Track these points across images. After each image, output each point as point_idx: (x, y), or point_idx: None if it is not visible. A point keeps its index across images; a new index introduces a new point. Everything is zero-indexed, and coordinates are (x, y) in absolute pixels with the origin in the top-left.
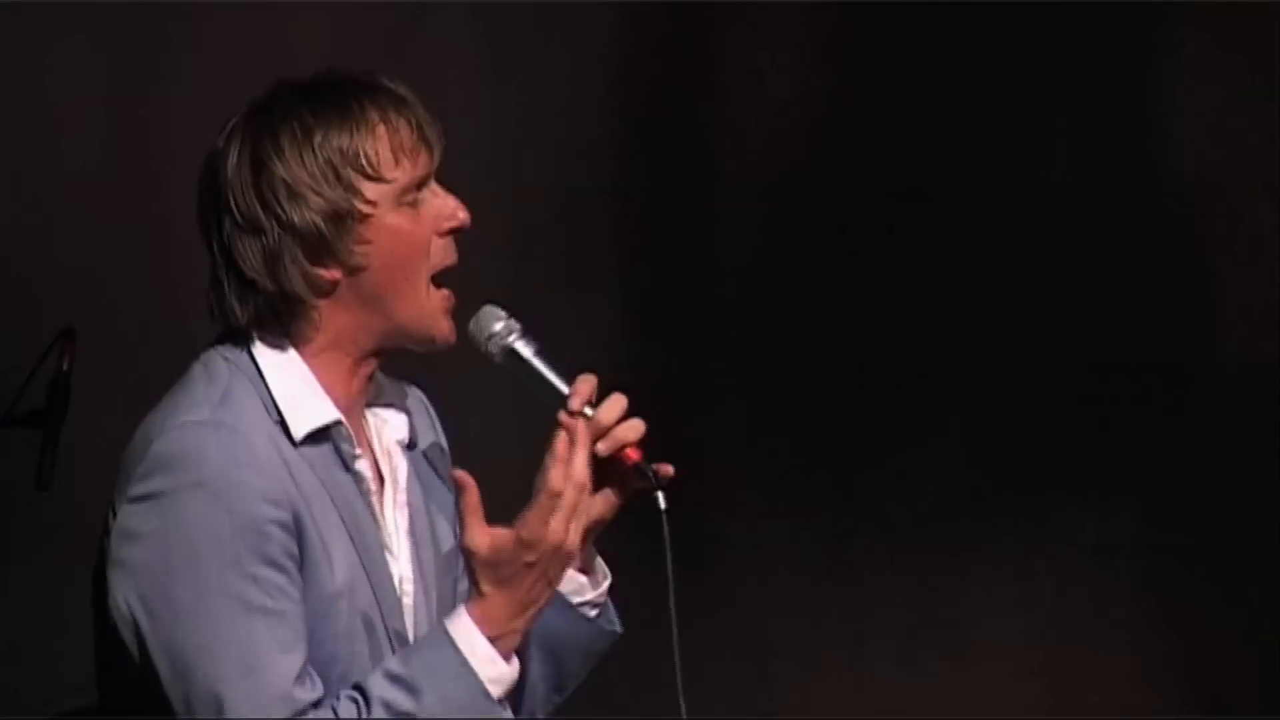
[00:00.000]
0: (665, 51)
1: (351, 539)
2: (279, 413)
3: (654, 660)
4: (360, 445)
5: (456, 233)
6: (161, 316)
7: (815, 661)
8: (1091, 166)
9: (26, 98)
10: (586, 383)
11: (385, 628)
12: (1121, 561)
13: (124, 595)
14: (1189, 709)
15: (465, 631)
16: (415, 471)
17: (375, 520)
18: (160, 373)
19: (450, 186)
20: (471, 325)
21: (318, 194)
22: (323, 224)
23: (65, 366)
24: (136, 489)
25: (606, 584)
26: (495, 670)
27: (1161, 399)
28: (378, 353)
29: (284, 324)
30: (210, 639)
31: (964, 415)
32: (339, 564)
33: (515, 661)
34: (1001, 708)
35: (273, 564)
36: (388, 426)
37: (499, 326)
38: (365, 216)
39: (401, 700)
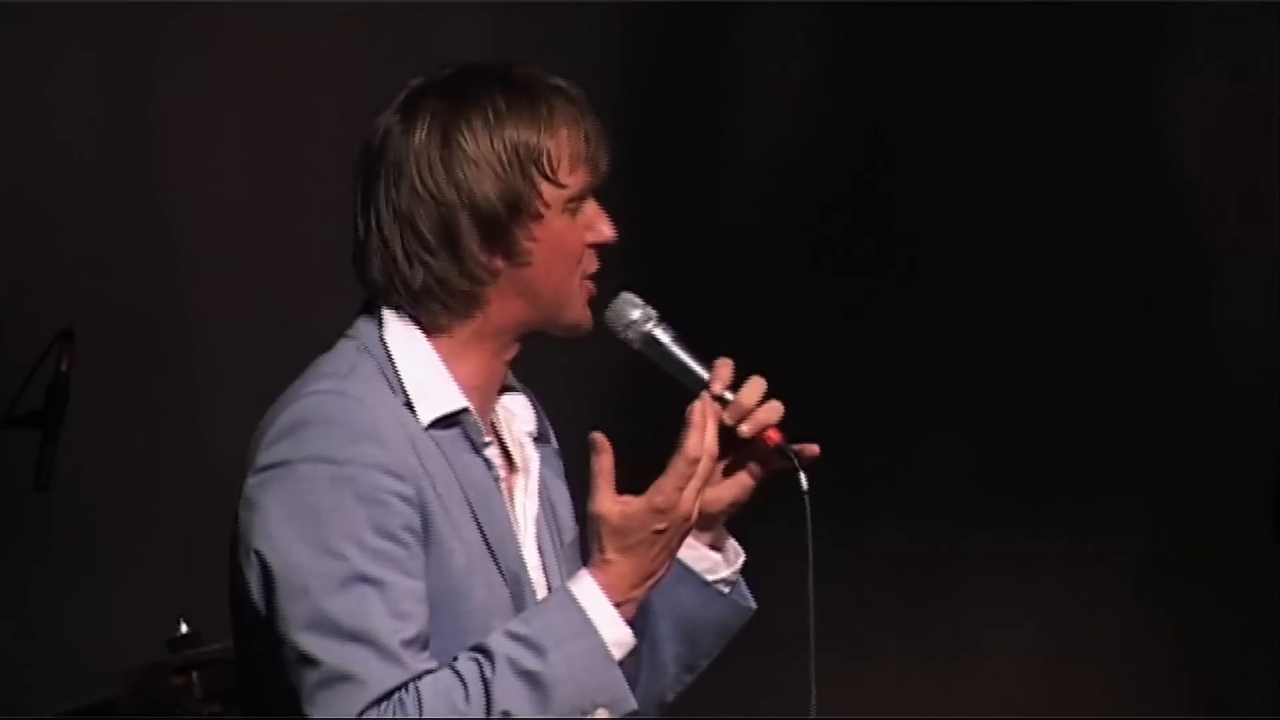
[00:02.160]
0: (666, 51)
1: (478, 521)
2: (406, 396)
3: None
4: (489, 434)
5: (602, 247)
6: (161, 317)
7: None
8: (1092, 167)
9: (26, 98)
10: (726, 366)
11: (515, 608)
12: (1121, 563)
13: (245, 563)
14: (1189, 709)
15: (590, 593)
16: (545, 466)
17: (505, 506)
18: (159, 373)
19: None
20: (608, 313)
21: (500, 178)
22: (501, 208)
23: (64, 367)
24: (262, 458)
25: (740, 562)
26: (618, 632)
27: (1161, 402)
28: (520, 339)
29: (444, 301)
30: (325, 607)
31: (964, 417)
32: (466, 542)
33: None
34: (1002, 708)
35: (392, 536)
36: (517, 419)
37: (637, 314)
38: (538, 214)
39: (526, 658)
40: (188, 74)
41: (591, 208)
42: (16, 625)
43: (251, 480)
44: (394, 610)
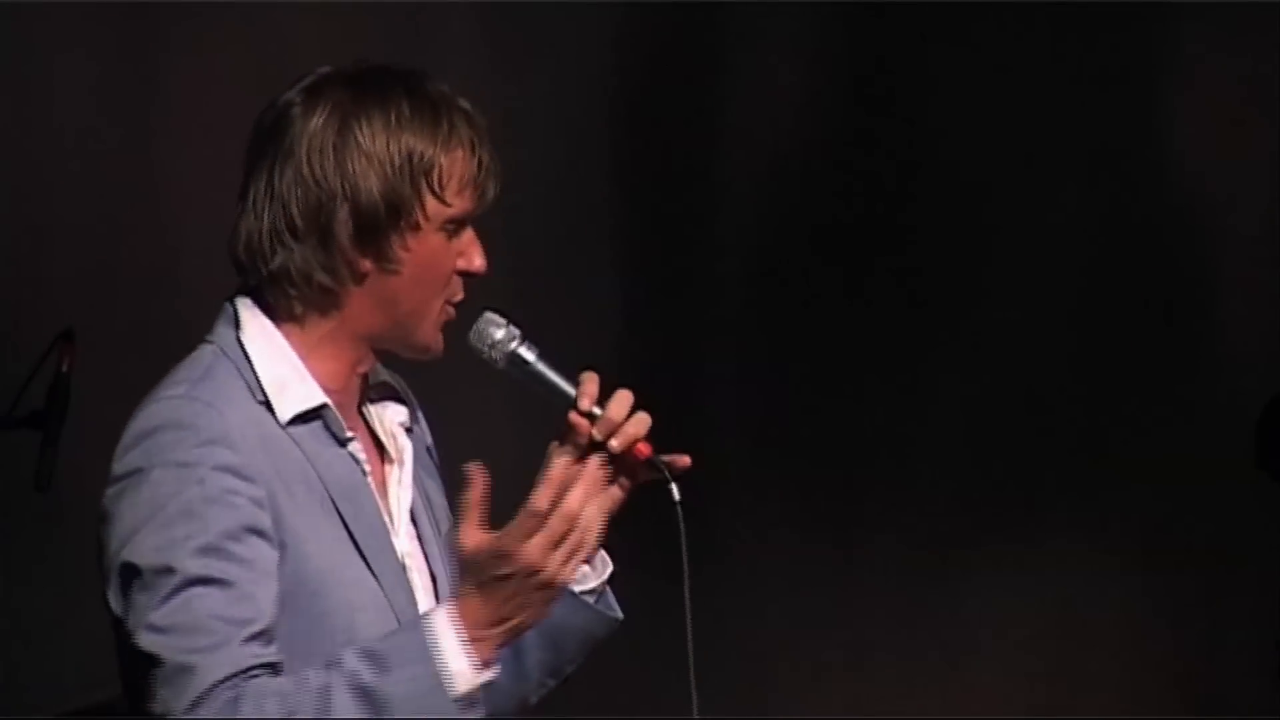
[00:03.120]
0: (664, 51)
1: (340, 515)
2: (264, 395)
3: (659, 653)
4: (357, 429)
5: (470, 276)
6: (161, 318)
7: (814, 663)
8: (1091, 168)
9: (26, 98)
10: (592, 382)
11: (389, 601)
12: (1120, 564)
13: (108, 575)
14: (1188, 709)
15: (440, 622)
16: (418, 460)
17: (374, 498)
18: (159, 374)
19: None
20: (472, 334)
21: (388, 180)
22: (382, 209)
23: (64, 368)
24: (116, 468)
25: (608, 572)
26: (460, 665)
27: (1161, 402)
28: (373, 350)
29: (300, 289)
30: (169, 605)
31: (963, 418)
32: (326, 540)
33: (490, 671)
34: (1001, 709)
35: (238, 538)
36: (388, 411)
37: (500, 334)
38: (416, 225)
39: (367, 673)
40: (188, 74)
41: (469, 235)
42: (16, 625)
43: (109, 491)
44: (237, 608)
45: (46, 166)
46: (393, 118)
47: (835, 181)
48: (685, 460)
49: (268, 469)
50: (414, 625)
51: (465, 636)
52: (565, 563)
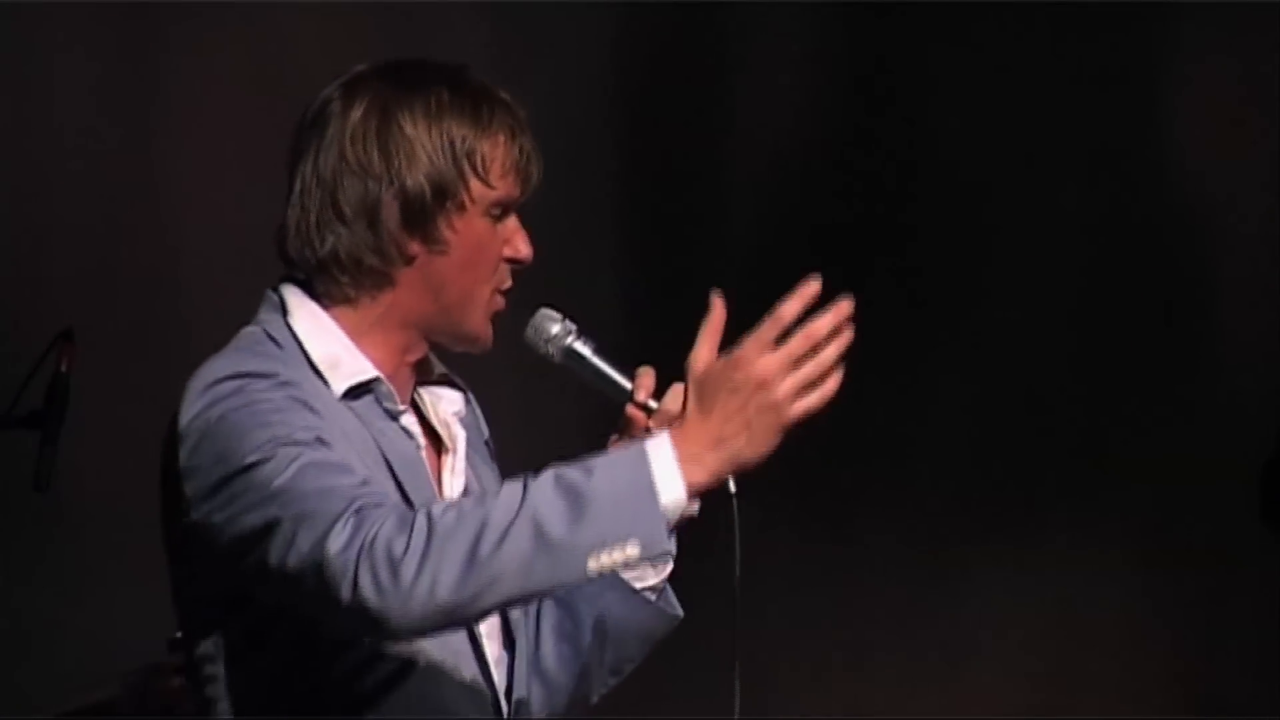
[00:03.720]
0: (666, 52)
1: (396, 478)
2: (316, 371)
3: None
4: (410, 413)
5: (517, 264)
6: (160, 318)
7: (814, 663)
8: (1091, 168)
9: (26, 98)
10: (648, 375)
11: None
12: (1120, 564)
13: (186, 523)
14: (1188, 709)
15: (657, 439)
16: (471, 448)
17: (429, 473)
18: (159, 374)
19: None
20: (529, 330)
21: (432, 164)
22: (428, 192)
23: (64, 368)
24: (183, 427)
25: (668, 569)
26: (671, 476)
27: (1160, 402)
28: (424, 340)
29: (351, 274)
30: (291, 473)
31: (963, 418)
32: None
33: (694, 506)
34: (1001, 709)
35: (326, 440)
36: (443, 401)
37: (556, 329)
38: (462, 207)
39: (572, 473)
40: (188, 74)
41: (513, 223)
42: (16, 625)
43: (181, 451)
44: (352, 474)
45: (46, 166)
46: (433, 106)
47: (836, 181)
48: None
49: (330, 420)
50: (630, 445)
51: (682, 451)
52: (797, 392)
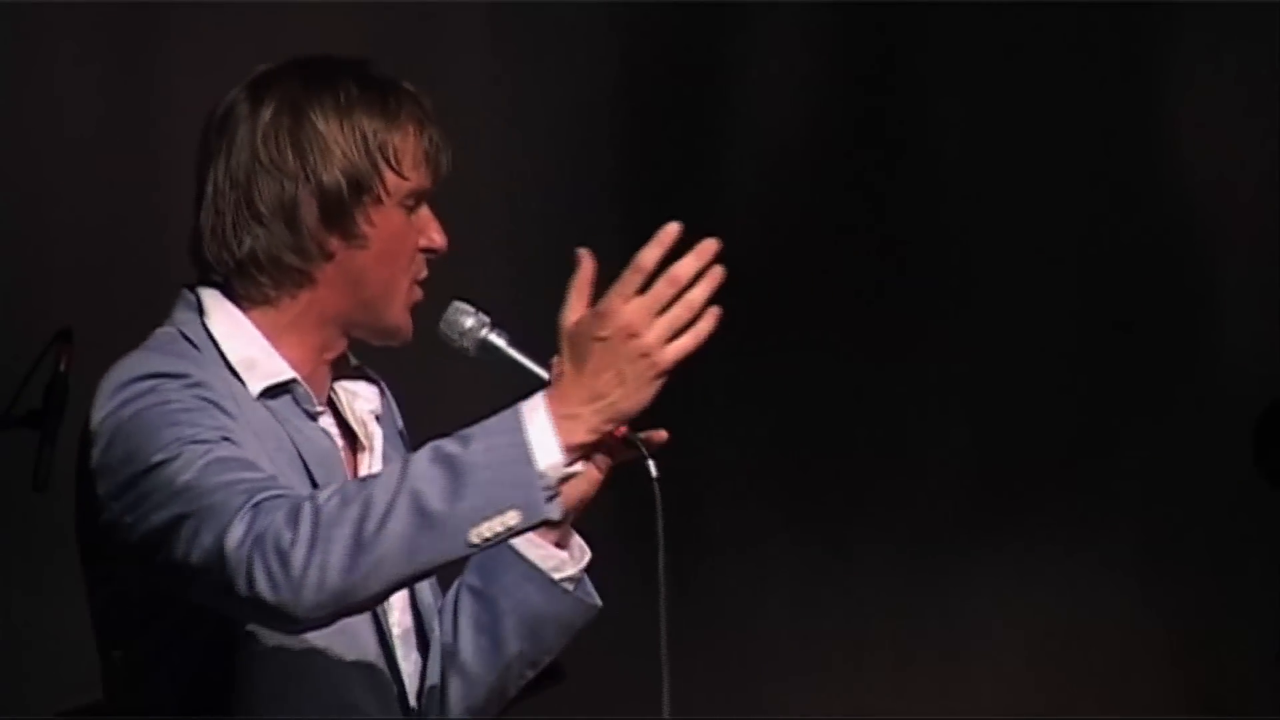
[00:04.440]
0: (666, 52)
1: (311, 477)
2: (232, 372)
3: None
4: (328, 413)
5: (432, 253)
6: (159, 317)
7: (813, 664)
8: (1091, 168)
9: (26, 98)
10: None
11: None
12: (1119, 564)
13: (98, 522)
14: (1188, 709)
15: (532, 400)
16: (387, 439)
17: (346, 472)
18: None
19: (454, 183)
20: (442, 323)
21: (347, 158)
22: (344, 186)
23: (62, 368)
24: (93, 426)
25: (585, 560)
26: (546, 438)
27: (1159, 402)
28: (343, 337)
29: (271, 274)
30: (193, 471)
31: (962, 416)
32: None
33: (578, 465)
34: (1000, 708)
35: (234, 438)
36: (359, 399)
37: (470, 322)
38: (378, 200)
39: (449, 444)
40: (188, 74)
41: (426, 213)
42: (15, 625)
43: (93, 451)
44: (255, 470)
45: (45, 166)
46: (342, 100)
47: (836, 180)
48: (662, 435)
49: (241, 420)
50: (508, 408)
51: (555, 412)
52: (667, 338)
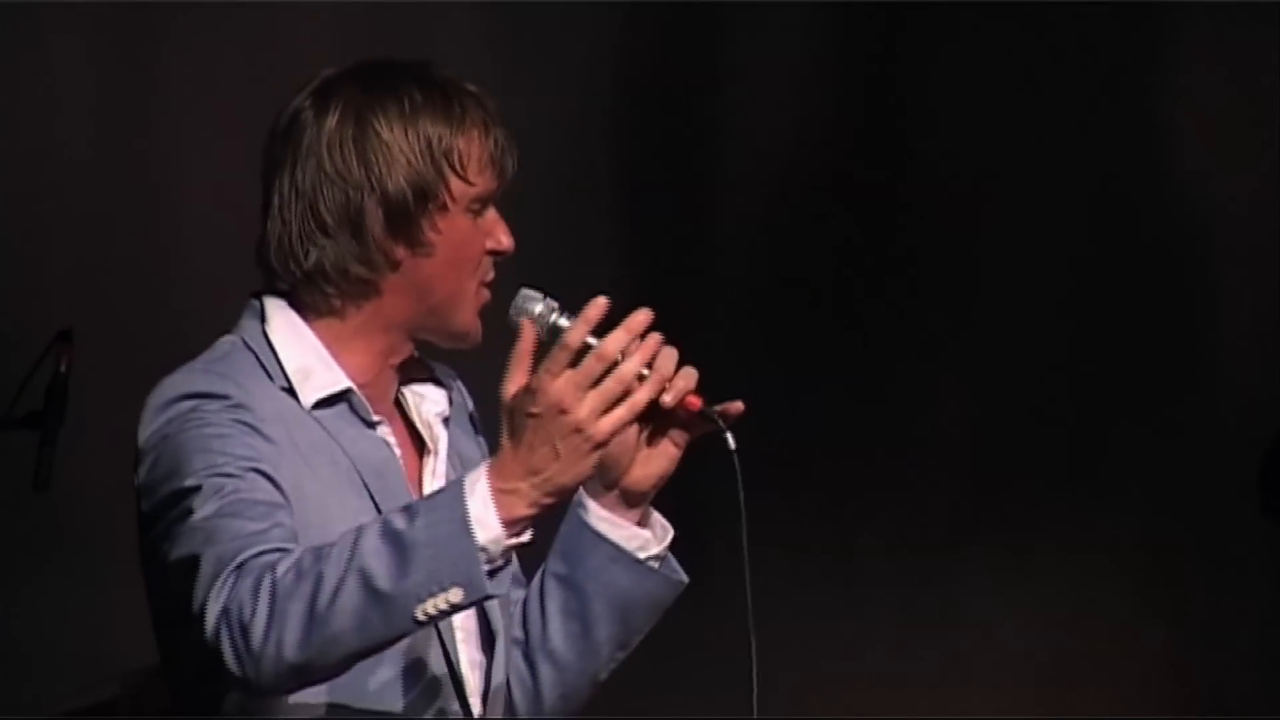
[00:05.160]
0: (667, 52)
1: (368, 488)
2: (288, 381)
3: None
4: (393, 420)
5: (499, 255)
6: (159, 318)
7: (811, 663)
8: (1090, 168)
9: (26, 98)
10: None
11: None
12: (1119, 563)
13: (150, 545)
14: (1188, 709)
15: (473, 473)
16: (454, 447)
17: (405, 483)
18: (157, 375)
19: None
20: (512, 310)
21: (412, 166)
22: (410, 195)
23: (63, 368)
24: (140, 443)
25: (669, 537)
26: (484, 512)
27: (1158, 402)
28: (409, 342)
29: (337, 285)
30: (195, 526)
31: (962, 417)
32: (350, 509)
33: (523, 536)
34: (999, 708)
35: (263, 475)
36: (426, 401)
37: (540, 308)
38: (444, 207)
39: (397, 519)
40: (188, 74)
41: (493, 215)
42: (16, 625)
43: (140, 469)
44: (266, 515)
45: (45, 167)
46: (406, 107)
47: (836, 181)
48: (739, 406)
49: (286, 439)
50: (453, 480)
51: (495, 486)
52: (601, 411)
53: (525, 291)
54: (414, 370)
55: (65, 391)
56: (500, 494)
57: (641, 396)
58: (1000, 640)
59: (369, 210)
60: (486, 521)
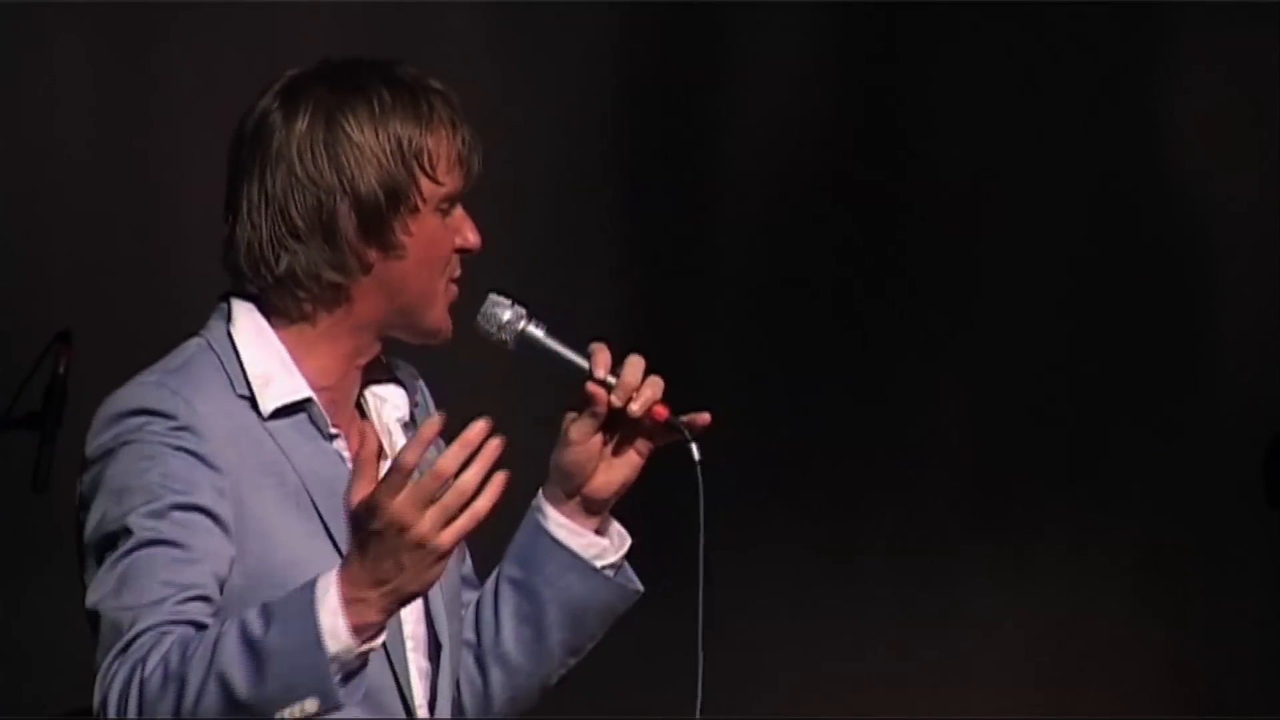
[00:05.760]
0: (667, 51)
1: (316, 508)
2: (249, 388)
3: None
4: (353, 424)
5: (467, 253)
6: (158, 319)
7: (811, 663)
8: (1090, 168)
9: (25, 98)
10: (603, 351)
11: None
12: (1118, 563)
13: (80, 556)
14: (1188, 709)
15: (325, 579)
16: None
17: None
18: None
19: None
20: (480, 317)
21: (383, 168)
22: (382, 197)
23: (62, 369)
24: (87, 452)
25: (626, 546)
26: (336, 624)
27: (1158, 402)
28: (379, 342)
29: (309, 290)
30: (118, 568)
31: (962, 417)
32: (298, 533)
33: (374, 640)
34: (999, 709)
35: (190, 512)
36: (387, 405)
37: (508, 315)
38: (415, 209)
39: (255, 625)
40: (187, 74)
41: (460, 213)
42: (15, 626)
43: (84, 477)
44: (182, 570)
45: (45, 167)
46: (376, 107)
47: (836, 181)
48: (705, 418)
49: (234, 461)
50: (306, 583)
51: (345, 595)
52: (441, 525)
53: (493, 298)
54: (377, 371)
55: (64, 392)
56: (349, 603)
57: (483, 505)
58: (1000, 640)
59: (341, 214)
60: (337, 633)
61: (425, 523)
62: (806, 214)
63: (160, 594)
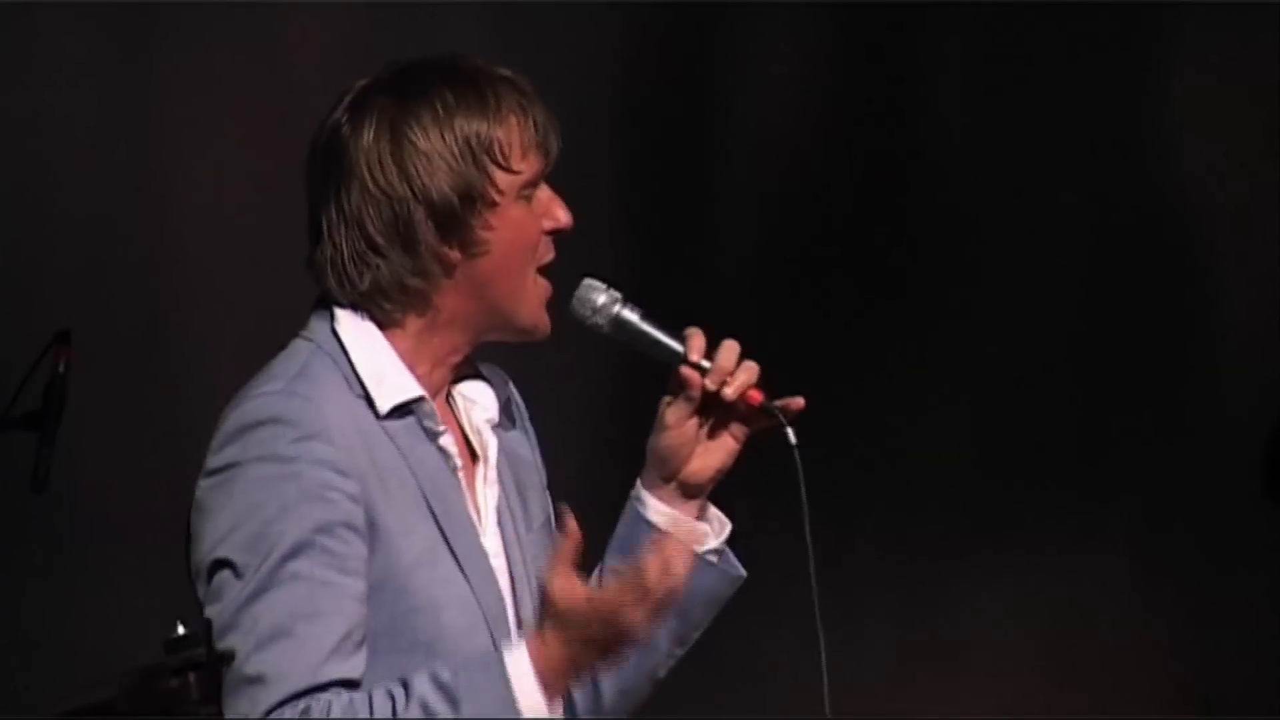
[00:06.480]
0: (667, 51)
1: (432, 512)
2: (363, 387)
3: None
4: (448, 424)
5: (559, 233)
6: (159, 319)
7: (812, 662)
8: (1090, 167)
9: (25, 98)
10: (698, 335)
11: (477, 598)
12: (1118, 563)
13: (194, 564)
14: (1188, 709)
15: (518, 664)
16: (504, 449)
17: (463, 495)
18: (156, 375)
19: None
20: (574, 302)
21: (453, 170)
22: (456, 200)
23: (61, 369)
24: (212, 461)
25: (727, 531)
26: (536, 708)
27: (1158, 402)
28: (473, 342)
29: (396, 299)
30: (252, 603)
31: (962, 417)
32: (418, 536)
33: (559, 709)
34: (999, 708)
35: (333, 533)
36: (476, 406)
37: (603, 299)
38: (493, 203)
39: (440, 706)
40: (187, 74)
41: (546, 193)
42: (14, 626)
43: (203, 483)
44: (324, 609)
45: (44, 167)
46: (439, 109)
47: (836, 181)
48: (799, 403)
49: (364, 463)
50: (490, 664)
51: (545, 681)
52: (651, 621)
53: (588, 282)
54: (464, 372)
55: (64, 392)
56: (548, 686)
57: (676, 596)
58: (1000, 640)
59: (418, 222)
60: (536, 710)
61: (643, 619)
62: (806, 213)
63: (303, 640)
